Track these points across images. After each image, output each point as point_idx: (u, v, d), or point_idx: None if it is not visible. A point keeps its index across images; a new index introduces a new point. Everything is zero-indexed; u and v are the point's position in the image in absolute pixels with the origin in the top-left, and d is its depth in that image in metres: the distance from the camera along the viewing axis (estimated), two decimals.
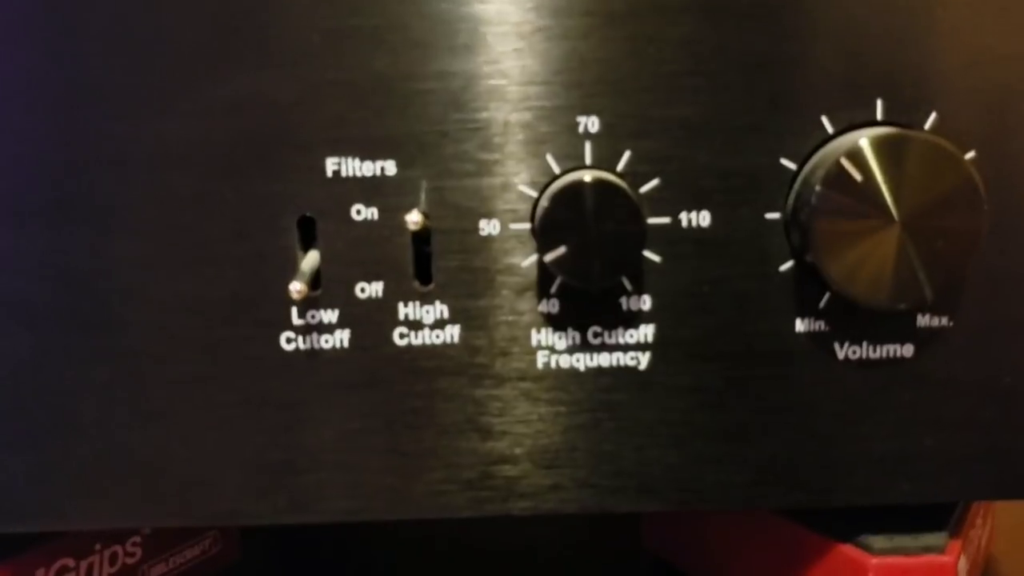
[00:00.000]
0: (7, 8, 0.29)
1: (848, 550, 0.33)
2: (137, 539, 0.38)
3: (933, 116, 0.29)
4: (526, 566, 0.43)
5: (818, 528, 0.34)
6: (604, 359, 0.31)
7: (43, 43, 0.29)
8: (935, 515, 0.34)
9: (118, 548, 0.38)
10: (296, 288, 0.29)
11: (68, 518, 0.31)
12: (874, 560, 0.32)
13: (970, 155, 0.29)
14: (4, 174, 0.30)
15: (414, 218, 0.29)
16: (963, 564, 0.34)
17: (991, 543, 0.42)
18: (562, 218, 0.28)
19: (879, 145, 0.28)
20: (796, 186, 0.29)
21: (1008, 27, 0.29)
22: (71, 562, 0.36)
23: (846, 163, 0.28)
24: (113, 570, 0.37)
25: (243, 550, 0.43)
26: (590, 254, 0.28)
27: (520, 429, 0.31)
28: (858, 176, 0.28)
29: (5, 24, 0.29)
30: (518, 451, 0.31)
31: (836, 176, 0.28)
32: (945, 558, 0.32)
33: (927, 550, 0.32)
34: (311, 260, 0.30)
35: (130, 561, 0.38)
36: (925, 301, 0.28)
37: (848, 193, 0.28)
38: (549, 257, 0.28)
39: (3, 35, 0.29)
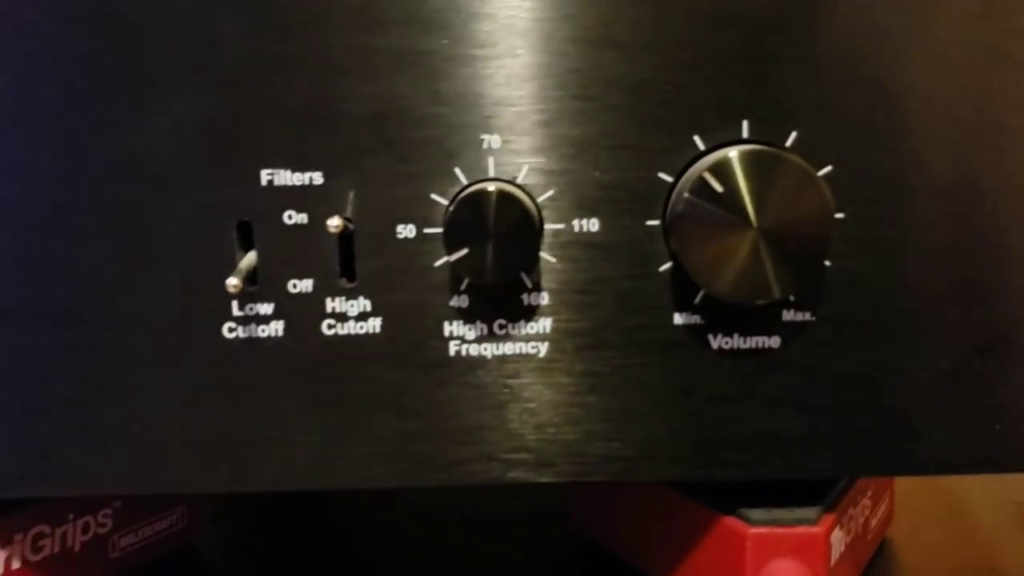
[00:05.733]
0: None
1: (730, 522, 0.37)
2: (108, 510, 0.42)
3: (794, 135, 0.33)
4: (460, 545, 0.47)
5: (706, 501, 0.38)
6: (508, 348, 0.35)
7: (17, 67, 0.34)
8: (813, 491, 0.38)
9: (90, 518, 0.41)
10: (232, 283, 0.33)
11: (36, 485, 0.36)
12: (752, 530, 0.36)
13: (825, 170, 0.33)
14: None
15: (334, 222, 0.33)
16: (838, 537, 0.38)
17: (886, 526, 0.46)
18: (464, 223, 0.32)
19: (740, 160, 0.32)
20: (672, 196, 0.33)
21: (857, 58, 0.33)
22: (47, 528, 0.40)
23: (708, 176, 0.32)
24: (86, 538, 0.41)
25: (209, 526, 0.47)
26: (488, 255, 0.32)
27: (433, 409, 0.35)
28: (719, 187, 0.32)
29: None
30: (432, 429, 0.35)
31: (700, 187, 0.32)
32: (816, 529, 0.36)
33: (800, 522, 0.36)
34: (248, 259, 0.34)
35: (101, 531, 0.42)
36: (774, 297, 0.32)
37: (710, 201, 0.32)
38: (453, 257, 0.33)
39: None
